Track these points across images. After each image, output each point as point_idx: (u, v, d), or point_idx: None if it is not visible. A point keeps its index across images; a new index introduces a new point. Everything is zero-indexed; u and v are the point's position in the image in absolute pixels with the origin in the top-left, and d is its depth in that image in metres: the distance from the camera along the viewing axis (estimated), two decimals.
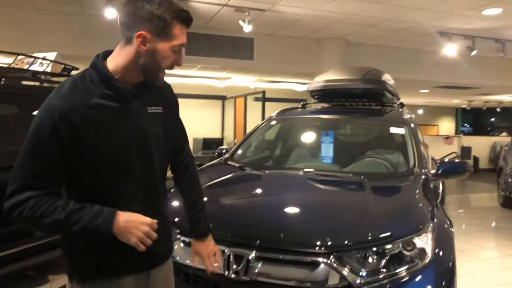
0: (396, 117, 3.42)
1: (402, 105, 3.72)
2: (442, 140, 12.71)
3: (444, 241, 2.13)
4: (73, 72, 4.07)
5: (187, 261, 2.06)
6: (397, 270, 1.87)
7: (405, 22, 6.97)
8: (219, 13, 6.71)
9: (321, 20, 6.99)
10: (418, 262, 1.90)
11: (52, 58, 3.86)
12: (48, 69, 3.81)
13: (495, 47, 8.01)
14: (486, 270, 4.22)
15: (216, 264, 1.67)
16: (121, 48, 1.30)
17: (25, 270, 3.60)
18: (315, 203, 2.36)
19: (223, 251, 1.91)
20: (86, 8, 6.53)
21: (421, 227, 2.00)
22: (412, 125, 3.23)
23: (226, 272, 1.90)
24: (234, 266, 1.89)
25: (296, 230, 2.04)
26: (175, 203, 2.29)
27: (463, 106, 18.46)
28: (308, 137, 3.69)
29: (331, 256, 1.84)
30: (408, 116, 3.40)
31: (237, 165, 3.07)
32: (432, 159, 3.73)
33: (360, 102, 3.79)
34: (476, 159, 13.34)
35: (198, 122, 10.36)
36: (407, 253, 1.91)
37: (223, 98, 11.07)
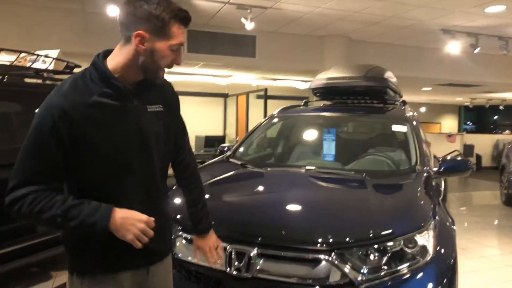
0: (398, 115, 3.42)
1: (404, 102, 3.71)
2: (444, 138, 12.68)
3: (445, 238, 2.13)
4: (76, 70, 4.09)
5: (189, 258, 2.07)
6: (399, 268, 1.87)
7: (407, 19, 6.95)
8: (221, 11, 6.71)
9: (323, 17, 6.97)
10: (419, 260, 1.91)
11: (55, 56, 3.86)
12: (51, 67, 3.82)
13: (498, 45, 7.98)
14: (488, 267, 4.22)
15: (218, 260, 1.70)
16: (120, 47, 1.32)
17: (28, 267, 3.62)
18: (317, 201, 2.36)
19: (225, 248, 1.91)
20: (88, 6, 6.54)
21: (422, 224, 2.01)
22: (414, 122, 3.22)
23: (228, 269, 1.91)
24: (236, 263, 1.90)
25: (297, 227, 2.04)
26: (177, 201, 2.30)
27: (466, 104, 18.39)
28: (310, 134, 3.69)
29: (333, 253, 1.84)
30: (410, 113, 3.39)
31: (239, 162, 3.07)
32: (434, 157, 3.73)
33: (362, 100, 3.78)
34: (478, 157, 13.31)
35: (200, 119, 10.37)
36: (409, 251, 1.91)
37: (225, 96, 11.07)
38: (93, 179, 1.32)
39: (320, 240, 1.89)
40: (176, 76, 9.88)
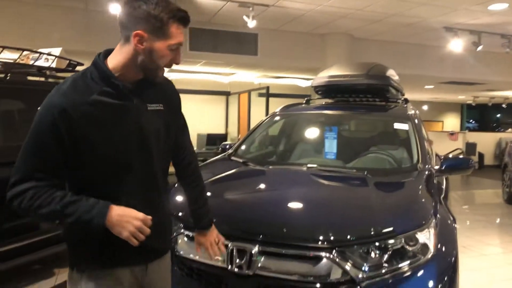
0: (400, 113, 3.41)
1: (406, 100, 3.71)
2: (447, 136, 12.66)
3: (446, 236, 2.13)
4: (78, 68, 4.10)
5: (191, 255, 2.08)
6: (400, 265, 1.88)
7: (410, 17, 6.93)
8: (223, 9, 6.71)
9: (326, 15, 6.96)
10: (420, 257, 1.91)
11: (57, 54, 3.88)
12: (53, 65, 3.83)
13: (501, 43, 7.95)
14: (490, 266, 4.22)
15: (219, 256, 1.73)
16: (120, 47, 1.34)
17: (31, 264, 3.64)
18: (318, 198, 2.37)
19: (226, 246, 1.92)
20: (90, 4, 6.55)
21: (423, 222, 2.01)
22: (416, 121, 3.22)
23: (229, 266, 1.91)
24: (237, 260, 1.90)
25: (299, 225, 2.05)
26: (179, 198, 2.31)
27: (468, 102, 18.34)
28: (311, 132, 3.69)
29: (334, 251, 1.85)
30: (412, 112, 3.39)
31: (241, 160, 3.08)
32: (436, 155, 3.73)
33: (364, 98, 3.78)
34: (481, 156, 13.27)
35: (202, 117, 10.38)
36: (410, 248, 1.92)
37: (227, 94, 11.08)
38: (93, 177, 1.34)
39: (321, 237, 1.89)
40: (178, 74, 9.90)
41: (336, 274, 1.83)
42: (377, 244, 1.90)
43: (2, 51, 3.51)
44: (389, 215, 2.09)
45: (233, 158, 3.20)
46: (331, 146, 3.12)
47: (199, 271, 2.05)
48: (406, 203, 2.28)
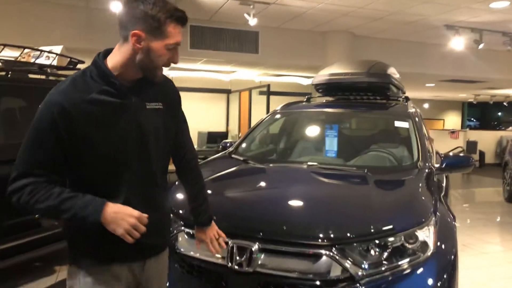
0: (401, 111, 3.41)
1: (407, 99, 3.70)
2: (448, 135, 12.65)
3: (446, 234, 2.13)
4: (79, 65, 4.11)
5: (191, 253, 2.09)
6: (399, 263, 1.88)
7: (411, 15, 6.92)
8: (224, 6, 6.70)
9: (327, 13, 6.95)
10: (420, 255, 1.91)
11: (58, 52, 3.89)
12: (54, 63, 3.84)
13: (502, 41, 7.94)
14: (490, 264, 4.22)
15: (219, 253, 1.76)
16: (119, 46, 1.36)
17: (32, 261, 3.66)
18: (318, 196, 2.37)
19: (226, 243, 1.93)
20: (91, 2, 6.55)
21: (423, 220, 2.01)
22: (416, 119, 3.22)
23: (229, 264, 1.92)
24: (237, 258, 1.91)
25: (298, 223, 2.05)
26: (179, 196, 2.32)
27: (469, 100, 18.31)
28: (312, 130, 3.69)
29: (334, 248, 1.85)
30: (413, 110, 3.39)
31: (241, 158, 3.08)
32: (437, 153, 3.73)
33: (365, 96, 3.78)
34: (482, 154, 13.26)
35: (203, 115, 10.38)
36: (409, 246, 1.92)
37: (228, 92, 11.07)
38: (92, 174, 1.36)
39: (321, 235, 1.90)
40: (179, 72, 9.90)
41: (336, 272, 1.84)
42: (377, 241, 1.90)
43: (3, 49, 3.52)
44: (389, 212, 2.09)
45: (233, 156, 3.20)
46: (331, 144, 3.13)
47: (200, 268, 2.05)
48: (406, 201, 2.28)
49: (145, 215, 1.31)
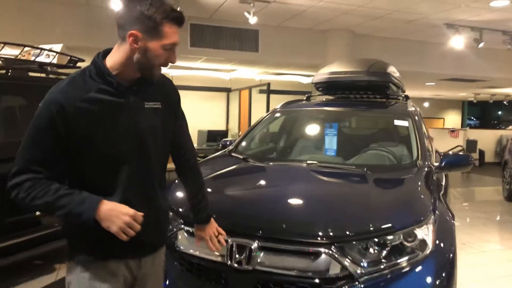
0: (401, 110, 3.42)
1: (407, 97, 3.71)
2: (447, 134, 12.65)
3: (445, 233, 2.14)
4: (79, 64, 4.11)
5: (191, 251, 2.09)
6: (398, 261, 1.89)
7: (411, 13, 6.92)
8: (224, 5, 6.70)
9: (327, 11, 6.95)
10: (418, 253, 1.92)
11: (58, 50, 3.89)
12: (54, 61, 3.85)
13: (502, 39, 7.94)
14: (489, 262, 4.23)
15: (218, 250, 1.78)
16: (118, 46, 1.38)
17: (32, 259, 3.66)
18: (317, 195, 2.38)
19: (226, 241, 1.94)
20: None
21: (422, 218, 2.02)
22: (416, 117, 3.22)
23: (229, 261, 1.93)
24: (237, 256, 1.92)
25: (298, 221, 2.06)
26: (179, 194, 2.33)
27: (469, 99, 18.31)
28: (312, 129, 3.70)
29: (333, 247, 1.86)
30: (413, 108, 3.39)
31: (241, 157, 3.09)
32: (436, 151, 3.73)
33: (364, 95, 3.78)
34: (481, 153, 13.27)
35: (203, 114, 10.38)
36: (408, 244, 1.93)
37: (228, 90, 11.07)
38: (90, 172, 1.38)
39: (320, 233, 1.90)
40: (179, 71, 9.89)
41: (335, 270, 1.85)
42: (376, 240, 1.91)
43: (3, 47, 3.52)
44: (388, 211, 2.10)
45: (233, 154, 3.21)
46: (331, 143, 3.13)
47: (199, 266, 2.06)
48: (405, 199, 2.28)
49: (141, 214, 1.33)
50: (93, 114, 1.33)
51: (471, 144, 12.70)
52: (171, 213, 2.23)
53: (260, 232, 1.96)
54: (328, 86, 3.81)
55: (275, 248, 1.92)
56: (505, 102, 17.62)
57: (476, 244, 4.79)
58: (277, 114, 3.74)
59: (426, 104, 18.98)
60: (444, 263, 2.00)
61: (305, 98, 4.00)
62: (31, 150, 1.32)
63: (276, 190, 2.53)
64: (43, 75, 3.82)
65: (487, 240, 5.04)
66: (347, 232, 1.93)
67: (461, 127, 16.49)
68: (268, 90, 8.69)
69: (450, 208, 2.57)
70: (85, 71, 1.39)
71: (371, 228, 1.93)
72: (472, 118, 22.12)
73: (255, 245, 1.91)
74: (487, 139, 13.74)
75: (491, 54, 9.15)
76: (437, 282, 1.89)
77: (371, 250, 1.90)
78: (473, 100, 17.63)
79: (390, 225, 1.95)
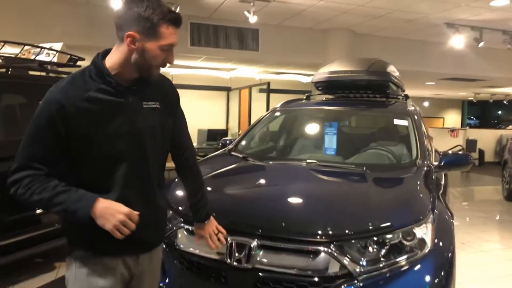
0: (400, 109, 3.42)
1: (406, 97, 3.71)
2: (447, 133, 12.66)
3: (444, 232, 2.14)
4: (79, 62, 4.11)
5: (191, 249, 2.10)
6: (397, 260, 1.89)
7: (411, 13, 6.92)
8: (224, 4, 6.70)
9: (327, 10, 6.95)
10: (417, 252, 1.92)
11: (58, 49, 3.90)
12: (55, 60, 3.85)
13: (502, 39, 7.94)
14: (489, 262, 4.24)
15: (218, 248, 1.81)
16: (117, 47, 1.40)
17: (32, 257, 3.67)
18: (317, 193, 2.38)
19: (225, 239, 1.94)
20: None
21: (421, 217, 2.02)
22: (415, 117, 3.23)
23: (228, 260, 1.93)
24: (236, 254, 1.92)
25: (297, 219, 2.06)
26: (179, 193, 2.33)
27: (469, 98, 18.31)
28: (312, 128, 3.70)
29: (332, 245, 1.86)
30: (412, 108, 3.40)
31: (241, 155, 3.09)
32: (436, 151, 3.74)
33: (364, 94, 3.78)
34: (481, 152, 13.27)
35: (203, 113, 10.38)
36: (407, 243, 1.93)
37: (228, 89, 11.08)
38: (88, 170, 1.40)
39: (319, 232, 1.91)
40: (179, 70, 9.90)
41: (334, 268, 1.85)
42: (375, 238, 1.91)
43: (3, 45, 3.53)
44: (387, 210, 2.11)
45: (233, 153, 3.22)
46: (331, 142, 3.14)
47: (199, 265, 2.07)
48: (404, 198, 2.29)
49: (136, 213, 1.35)
50: (92, 113, 1.35)
51: (471, 144, 12.70)
52: (170, 212, 2.25)
53: (260, 230, 1.96)
54: (328, 85, 3.82)
55: (274, 247, 1.92)
56: (505, 102, 17.63)
57: (475, 244, 4.79)
58: (277, 113, 3.75)
59: (426, 104, 18.98)
60: (443, 262, 2.00)
61: (305, 97, 4.01)
62: (31, 148, 1.35)
63: (275, 189, 2.53)
64: (43, 73, 3.83)
65: (487, 240, 5.05)
66: (346, 231, 1.93)
67: (461, 127, 16.49)
68: (268, 89, 8.69)
69: (449, 207, 2.58)
70: (85, 71, 1.41)
71: (370, 227, 1.94)
72: (472, 117, 22.12)
73: (254, 243, 1.92)
74: (487, 138, 13.75)
75: (491, 54, 9.15)
76: (436, 281, 1.90)
77: (370, 248, 1.90)
78: (473, 99, 17.63)
79: (389, 224, 1.96)
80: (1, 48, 3.52)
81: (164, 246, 2.18)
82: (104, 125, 1.37)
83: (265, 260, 1.91)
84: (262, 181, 2.73)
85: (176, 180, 2.44)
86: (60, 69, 3.96)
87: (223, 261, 1.96)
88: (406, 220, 2.00)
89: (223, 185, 2.61)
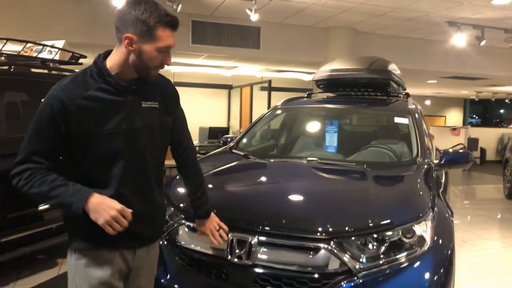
0: (401, 107, 3.42)
1: (407, 95, 3.72)
2: (449, 132, 12.64)
3: (443, 229, 2.15)
4: (81, 60, 4.12)
5: (192, 246, 2.11)
6: (397, 257, 1.90)
7: (413, 11, 6.91)
8: (225, 2, 6.70)
9: (329, 9, 6.95)
10: (417, 249, 1.93)
11: (61, 46, 3.91)
12: (57, 57, 3.86)
13: (504, 38, 7.93)
14: (489, 260, 4.25)
15: (220, 243, 1.86)
16: (116, 48, 1.46)
17: (35, 253, 3.70)
18: (317, 191, 2.39)
19: (226, 236, 1.96)
20: None
21: (421, 215, 2.03)
22: (416, 115, 3.23)
23: (229, 256, 1.95)
24: (237, 251, 1.94)
25: (297, 216, 2.07)
26: (180, 190, 2.35)
27: (471, 97, 18.29)
28: (312, 126, 3.71)
29: (332, 242, 1.88)
30: (413, 106, 3.40)
31: (242, 153, 3.10)
32: (437, 149, 3.74)
33: (365, 92, 3.79)
34: (483, 151, 13.25)
35: (204, 111, 10.40)
36: (407, 240, 1.94)
37: (229, 87, 11.08)
38: (87, 166, 1.45)
39: (319, 229, 1.92)
40: (180, 68, 9.90)
41: (334, 265, 1.86)
42: (374, 235, 1.92)
43: (6, 43, 3.54)
44: (387, 207, 2.11)
45: (234, 151, 3.23)
46: (331, 140, 3.14)
47: (200, 261, 2.08)
48: (404, 196, 2.29)
49: (129, 210, 1.39)
50: (92, 111, 1.40)
51: (473, 142, 12.68)
52: (172, 209, 2.27)
53: (260, 227, 1.97)
54: (329, 84, 3.82)
55: (275, 243, 1.93)
56: (507, 101, 17.60)
57: (476, 242, 4.80)
58: (278, 111, 3.75)
59: (427, 102, 18.96)
60: (442, 259, 2.01)
61: (306, 95, 4.01)
62: (32, 142, 1.40)
63: (276, 186, 2.55)
64: (45, 71, 3.84)
65: (487, 238, 5.06)
66: (346, 228, 1.94)
67: (463, 125, 16.46)
68: (270, 87, 8.70)
69: (449, 205, 2.58)
70: (86, 70, 1.47)
71: (370, 224, 1.95)
72: (474, 116, 22.08)
73: (255, 240, 1.93)
74: (488, 137, 13.73)
75: (493, 52, 9.14)
76: (435, 278, 1.91)
77: (370, 245, 1.91)
78: (475, 98, 17.60)
79: (389, 221, 1.97)
80: (3, 46, 3.53)
81: (165, 242, 2.20)
82: (103, 123, 1.42)
83: (265, 257, 1.93)
84: (263, 178, 2.75)
85: (177, 177, 2.45)
86: (62, 66, 3.97)
87: (223, 257, 1.97)
88: (406, 218, 2.00)
89: (224, 183, 2.63)
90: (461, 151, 3.08)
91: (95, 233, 1.41)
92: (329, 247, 1.87)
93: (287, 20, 7.81)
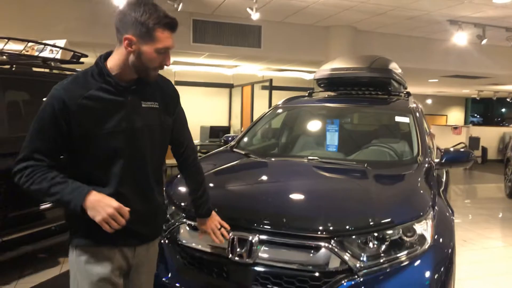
0: (402, 106, 3.42)
1: (408, 94, 3.72)
2: (450, 130, 12.63)
3: (444, 228, 2.16)
4: (82, 59, 4.13)
5: (193, 244, 2.12)
6: (397, 255, 1.90)
7: (414, 10, 6.90)
8: (226, 1, 6.70)
9: (329, 7, 6.94)
10: (417, 248, 1.94)
11: (62, 45, 3.91)
12: (58, 56, 3.87)
13: (505, 36, 7.91)
14: (490, 259, 4.25)
15: (221, 242, 1.87)
16: (116, 49, 1.48)
17: (37, 252, 3.71)
18: (318, 190, 2.40)
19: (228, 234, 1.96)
20: None
21: (421, 214, 2.03)
22: (417, 114, 3.23)
23: (230, 255, 1.95)
24: (238, 249, 1.94)
25: (298, 215, 2.08)
26: (181, 189, 2.36)
27: (473, 96, 18.25)
28: (313, 125, 3.71)
29: (332, 241, 1.88)
30: (414, 105, 3.40)
31: (243, 152, 3.11)
32: (437, 148, 3.74)
33: (366, 91, 3.79)
34: (484, 150, 13.23)
35: (205, 110, 10.40)
36: (407, 239, 1.95)
37: (230, 86, 11.08)
38: (87, 165, 1.47)
39: (320, 227, 1.92)
40: (181, 67, 9.91)
41: (334, 263, 1.87)
42: (375, 234, 1.93)
43: (7, 42, 3.55)
44: (387, 206, 2.11)
45: (235, 150, 3.23)
46: (332, 139, 3.15)
47: (201, 260, 2.09)
48: (405, 194, 2.30)
49: (127, 208, 1.40)
50: (92, 111, 1.43)
51: (474, 141, 12.67)
52: (173, 208, 2.27)
53: (261, 226, 1.98)
54: (330, 82, 3.82)
55: (275, 242, 1.94)
56: (508, 99, 17.57)
57: (477, 241, 4.80)
58: (279, 110, 3.76)
59: (429, 101, 18.92)
60: (442, 258, 2.01)
61: (307, 94, 4.02)
62: (34, 140, 1.43)
63: (277, 185, 2.55)
64: (47, 70, 3.85)
65: (488, 237, 5.06)
66: (347, 227, 1.95)
67: (464, 124, 16.44)
68: (271, 86, 8.70)
69: (450, 204, 2.59)
70: (88, 71, 1.49)
71: (371, 223, 1.95)
72: (475, 115, 22.05)
73: (256, 238, 1.94)
74: (490, 136, 13.71)
75: (494, 51, 9.12)
76: (436, 277, 1.91)
77: (370, 244, 1.92)
78: (476, 97, 17.56)
79: (389, 220, 1.97)
80: (5, 45, 3.54)
81: (166, 241, 2.21)
82: (103, 122, 1.44)
83: (266, 255, 1.93)
84: (264, 177, 2.75)
85: (178, 176, 2.46)
86: (64, 65, 3.98)
87: (224, 256, 1.98)
88: (407, 216, 2.01)
89: (225, 181, 2.63)
90: (461, 150, 3.08)
91: (94, 231, 1.43)
92: (330, 246, 1.87)
93: (288, 19, 7.81)
